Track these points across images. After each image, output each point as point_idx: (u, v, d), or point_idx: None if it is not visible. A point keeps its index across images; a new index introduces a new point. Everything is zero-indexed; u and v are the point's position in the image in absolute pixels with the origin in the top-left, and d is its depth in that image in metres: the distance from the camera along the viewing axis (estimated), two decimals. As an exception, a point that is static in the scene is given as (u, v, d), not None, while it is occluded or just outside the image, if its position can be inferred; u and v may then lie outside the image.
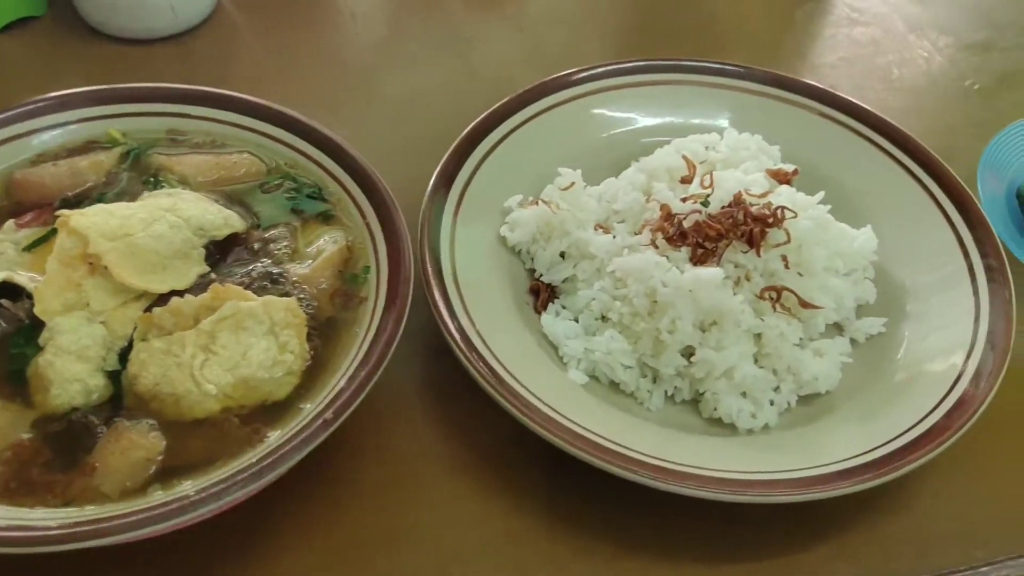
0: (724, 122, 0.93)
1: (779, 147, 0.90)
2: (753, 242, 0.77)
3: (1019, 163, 0.96)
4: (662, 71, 0.95)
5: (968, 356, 0.75)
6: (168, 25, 1.06)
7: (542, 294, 0.82)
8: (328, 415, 0.63)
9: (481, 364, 0.70)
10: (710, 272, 0.74)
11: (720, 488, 0.66)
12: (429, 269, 0.76)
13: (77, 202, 0.76)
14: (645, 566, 0.69)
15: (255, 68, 1.07)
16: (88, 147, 0.81)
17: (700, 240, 0.77)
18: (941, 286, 0.81)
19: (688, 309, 0.74)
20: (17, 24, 1.07)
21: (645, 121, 0.94)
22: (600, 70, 0.94)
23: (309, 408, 0.66)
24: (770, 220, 0.78)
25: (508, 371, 0.71)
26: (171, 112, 0.83)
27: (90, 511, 0.60)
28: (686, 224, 0.78)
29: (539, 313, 0.81)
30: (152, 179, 0.78)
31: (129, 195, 0.77)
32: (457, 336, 0.72)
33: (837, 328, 0.82)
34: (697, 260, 0.77)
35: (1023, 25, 1.22)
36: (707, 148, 0.88)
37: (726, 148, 0.87)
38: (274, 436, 0.64)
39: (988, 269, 0.80)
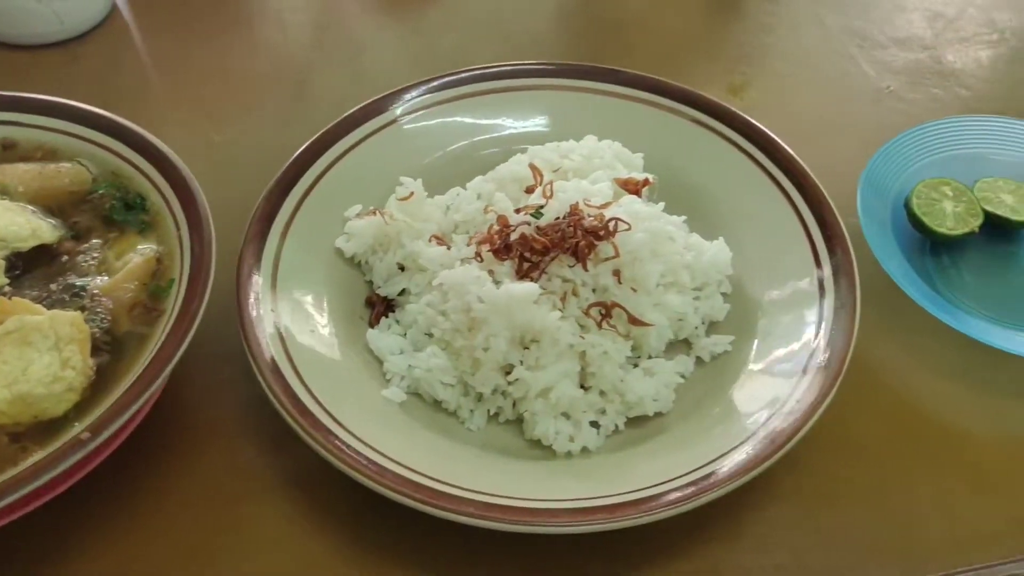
0: (587, 128, 0.88)
1: (642, 154, 0.87)
2: (579, 256, 0.73)
3: (912, 171, 0.91)
4: (531, 76, 0.91)
5: (799, 380, 0.70)
6: (54, 31, 1.06)
7: (377, 307, 0.79)
8: (84, 434, 0.60)
9: (283, 393, 0.68)
10: (525, 287, 0.71)
11: (509, 518, 0.62)
12: (246, 287, 0.73)
13: None
14: (440, 595, 0.66)
15: (142, 76, 1.06)
16: (-83, 156, 0.80)
17: (525, 253, 0.74)
18: (791, 304, 0.77)
19: (503, 325, 0.71)
20: None
21: (511, 128, 0.91)
22: (463, 75, 0.91)
23: (80, 426, 0.63)
24: (601, 233, 0.74)
25: (315, 397, 0.68)
26: (4, 120, 0.81)
27: None
28: (513, 236, 0.75)
29: (371, 327, 0.78)
30: (-29, 189, 0.77)
31: (-53, 206, 0.75)
32: (262, 363, 0.69)
33: (687, 346, 0.78)
34: (522, 274, 0.74)
35: (939, 29, 1.16)
36: (563, 156, 0.84)
37: (579, 156, 0.84)
38: (37, 456, 0.62)
39: (837, 288, 0.75)
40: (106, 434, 0.61)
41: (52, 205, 0.77)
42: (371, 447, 0.66)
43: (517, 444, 0.72)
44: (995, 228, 0.90)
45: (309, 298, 0.77)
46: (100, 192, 0.78)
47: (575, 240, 0.73)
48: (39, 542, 0.67)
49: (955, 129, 0.94)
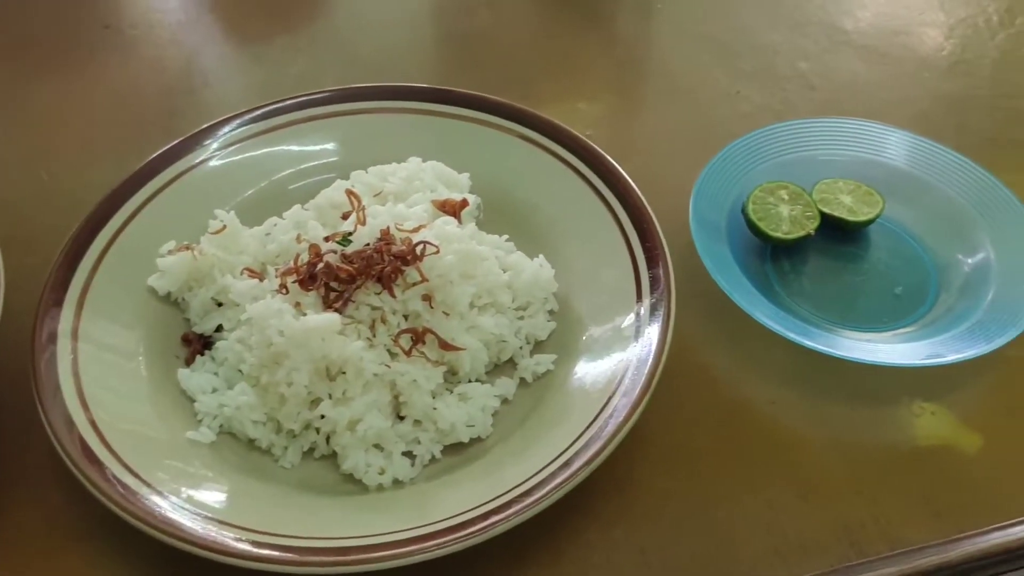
0: (416, 149, 0.87)
1: (468, 174, 0.85)
2: (385, 283, 0.71)
3: (751, 174, 0.91)
4: (357, 99, 0.90)
5: (613, 395, 0.69)
6: None
7: (193, 345, 0.77)
8: None
9: (71, 446, 0.65)
10: (325, 318, 0.69)
11: (314, 560, 0.60)
12: (42, 334, 0.71)
13: None
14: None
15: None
16: None
17: (331, 283, 0.72)
18: (612, 320, 0.76)
19: (304, 359, 0.69)
20: None
21: (334, 155, 0.89)
22: (290, 103, 0.89)
23: None
24: (408, 258, 0.72)
25: (110, 448, 0.66)
26: None
27: None
28: (320, 266, 0.73)
29: (188, 365, 0.76)
30: None
31: None
32: (52, 415, 0.67)
33: (512, 365, 0.77)
34: (328, 304, 0.72)
35: (788, 34, 1.16)
36: (384, 180, 0.83)
37: (400, 179, 0.82)
38: None
39: (654, 291, 0.74)
40: None
41: None
42: (161, 493, 0.63)
43: (333, 479, 0.70)
44: (835, 230, 0.89)
45: (119, 340, 0.74)
46: None
47: (381, 266, 0.72)
48: None
49: (794, 132, 0.93)
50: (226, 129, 0.87)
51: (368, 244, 0.74)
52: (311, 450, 0.72)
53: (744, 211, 0.88)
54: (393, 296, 0.72)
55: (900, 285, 0.86)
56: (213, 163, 0.85)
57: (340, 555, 0.61)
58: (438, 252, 0.73)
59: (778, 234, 0.86)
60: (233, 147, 0.87)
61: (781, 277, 0.86)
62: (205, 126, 0.87)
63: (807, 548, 0.69)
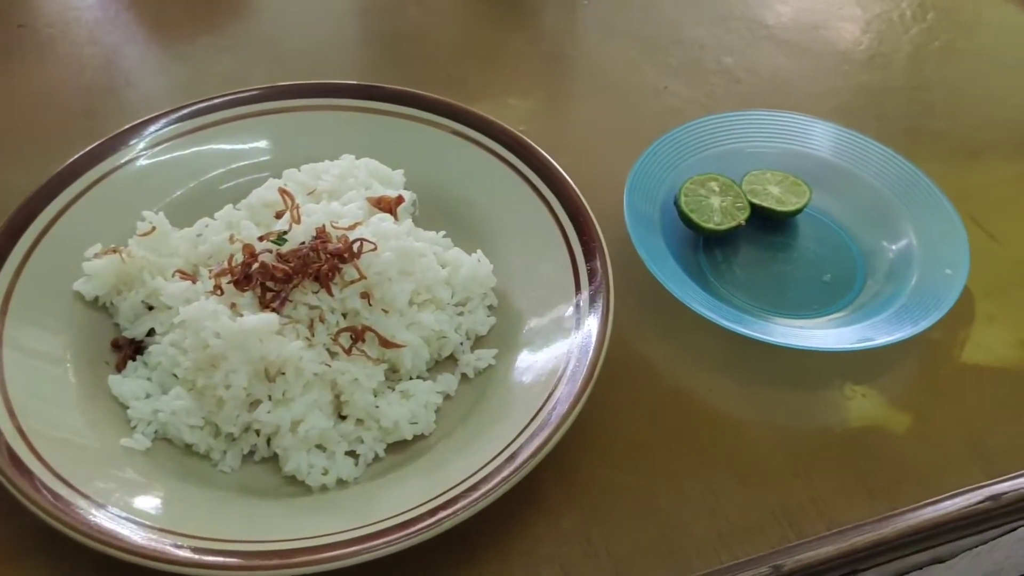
0: (347, 147, 0.86)
1: (403, 171, 0.85)
2: (322, 281, 0.70)
3: (681, 168, 0.92)
4: (281, 97, 0.88)
5: (558, 378, 0.69)
6: None
7: (124, 350, 0.75)
8: None
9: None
10: (262, 318, 0.68)
11: (258, 563, 0.59)
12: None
13: None
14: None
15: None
16: None
17: (266, 283, 0.71)
18: (551, 313, 0.76)
19: (241, 360, 0.67)
20: None
21: (265, 154, 0.87)
22: (218, 101, 0.87)
23: None
24: (346, 255, 0.71)
25: (41, 458, 0.64)
26: None
27: None
28: (256, 265, 0.72)
29: (119, 371, 0.74)
30: None
31: None
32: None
33: (453, 360, 0.77)
34: (264, 305, 0.70)
35: (713, 29, 1.18)
36: (317, 178, 0.82)
37: (333, 177, 0.81)
38: None
39: (593, 297, 0.75)
40: None
41: None
42: (96, 502, 0.62)
43: (274, 482, 0.69)
44: (764, 220, 0.91)
45: (46, 346, 0.72)
46: None
47: (318, 265, 0.71)
48: None
49: (722, 125, 0.95)
50: (152, 128, 0.85)
51: (304, 243, 0.73)
52: (251, 453, 0.70)
53: (676, 203, 0.89)
54: (331, 294, 0.71)
55: (829, 272, 0.88)
56: (139, 163, 0.83)
57: (286, 558, 0.60)
58: (376, 249, 0.72)
59: (710, 225, 0.87)
60: (160, 147, 0.85)
61: (714, 267, 0.88)
62: (129, 125, 0.84)
63: (748, 531, 0.70)
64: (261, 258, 0.72)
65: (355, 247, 0.72)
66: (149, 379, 0.73)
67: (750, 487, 0.73)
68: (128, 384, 0.72)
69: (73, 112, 1.00)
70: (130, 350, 0.75)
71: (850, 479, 0.74)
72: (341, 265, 0.71)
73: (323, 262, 0.71)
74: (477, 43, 1.14)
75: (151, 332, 0.76)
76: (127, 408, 0.71)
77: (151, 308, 0.77)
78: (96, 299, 0.77)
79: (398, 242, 0.74)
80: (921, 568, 0.76)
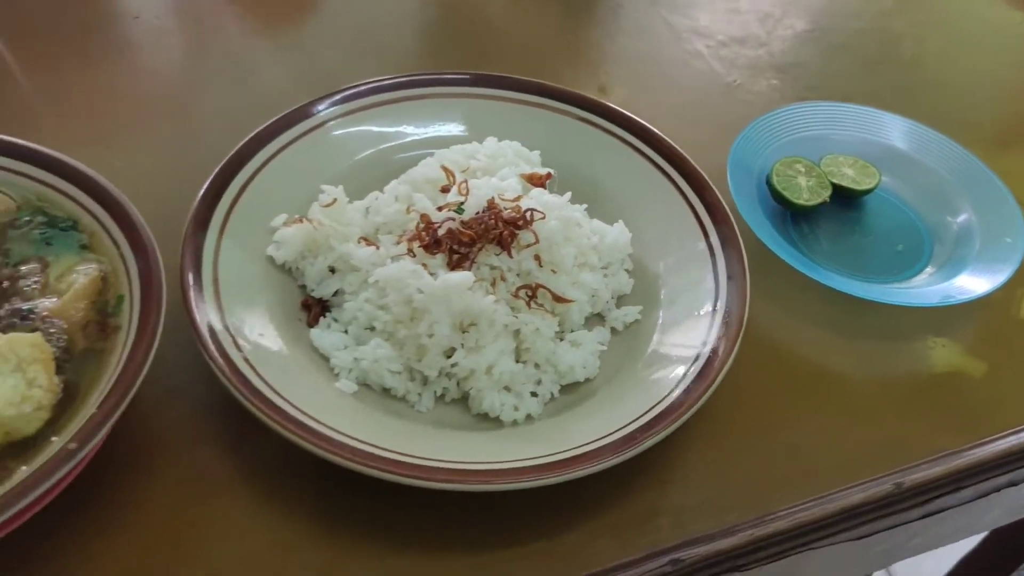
0: (487, 131, 0.96)
1: (539, 152, 0.95)
2: (504, 244, 0.81)
3: (768, 152, 1.04)
4: (426, 85, 0.98)
5: (709, 329, 0.81)
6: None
7: (313, 309, 0.84)
8: (72, 445, 0.63)
9: (240, 383, 0.71)
10: (461, 276, 0.78)
11: (467, 480, 0.69)
12: (191, 295, 0.76)
13: None
14: (414, 562, 0.71)
15: (24, 106, 1.05)
16: None
17: (454, 246, 0.80)
18: (686, 270, 0.87)
19: (444, 313, 0.77)
20: None
21: (412, 135, 0.97)
22: (370, 86, 0.97)
23: (58, 441, 0.65)
24: (520, 223, 0.82)
25: (272, 387, 0.73)
26: (-87, 154, 0.81)
27: None
28: (441, 232, 0.81)
29: (311, 327, 0.83)
30: None
31: None
32: (219, 358, 0.73)
33: (600, 318, 0.87)
34: (453, 265, 0.80)
35: (769, 28, 1.31)
36: (469, 157, 0.92)
37: (484, 156, 0.91)
38: (22, 471, 0.64)
39: (724, 248, 0.86)
40: (91, 444, 0.63)
41: (-23, 235, 0.78)
42: (336, 430, 0.71)
43: (465, 420, 0.79)
44: (841, 197, 1.03)
45: (251, 304, 0.80)
46: (27, 218, 0.79)
47: (498, 231, 0.81)
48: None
49: (800, 114, 1.08)
50: (320, 107, 0.93)
51: (479, 212, 0.83)
52: (442, 396, 0.80)
53: (769, 182, 1.01)
54: (511, 256, 0.81)
55: (901, 243, 1.01)
56: (309, 139, 0.92)
57: (494, 476, 0.69)
58: (544, 218, 0.83)
59: (800, 201, 1.00)
60: (325, 126, 0.94)
61: (802, 238, 1.00)
62: (293, 109, 0.93)
63: (864, 458, 0.82)
64: (446, 225, 0.81)
65: (527, 215, 0.82)
66: (345, 332, 0.82)
67: (859, 424, 0.85)
68: (328, 337, 0.81)
69: (200, 100, 1.08)
70: (319, 309, 0.84)
71: (941, 415, 0.87)
72: (517, 231, 0.81)
73: (501, 228, 0.81)
74: (556, 39, 1.24)
75: (335, 293, 0.85)
76: (327, 358, 0.80)
77: (332, 271, 0.85)
78: (283, 264, 0.85)
79: (561, 211, 0.84)
80: (999, 491, 0.89)
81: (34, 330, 0.70)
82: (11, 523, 0.62)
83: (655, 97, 1.17)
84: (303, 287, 0.86)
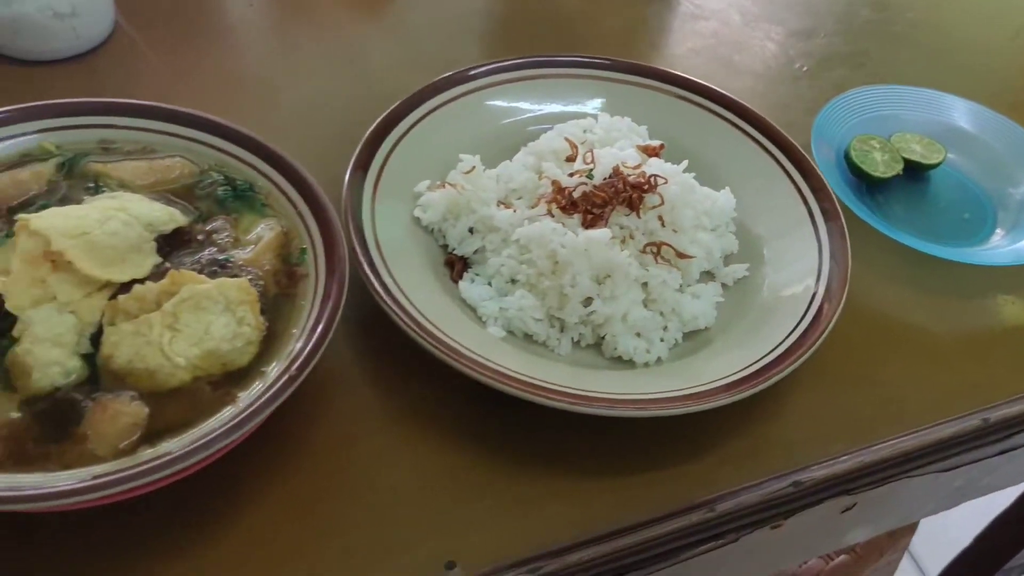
0: (597, 108, 1.06)
1: (646, 127, 1.05)
2: (633, 206, 0.90)
3: (844, 130, 1.14)
4: (542, 66, 1.07)
5: (817, 283, 0.90)
6: (70, 46, 1.12)
7: (456, 265, 0.93)
8: (293, 371, 0.72)
9: (410, 320, 0.80)
10: (600, 233, 0.87)
11: (624, 407, 0.78)
12: (357, 246, 0.85)
13: (24, 210, 0.82)
14: (567, 483, 0.81)
15: (158, 82, 1.14)
16: (23, 160, 0.86)
17: (588, 207, 0.90)
18: (789, 232, 0.97)
19: (584, 265, 0.87)
20: (-88, 52, 1.11)
21: (531, 110, 1.06)
22: (492, 67, 1.06)
23: (270, 370, 0.75)
24: (645, 187, 0.91)
25: (435, 326, 0.82)
26: (100, 124, 0.89)
27: (87, 471, 0.67)
28: (576, 195, 0.91)
29: (455, 282, 0.92)
30: (93, 185, 0.85)
31: (72, 201, 0.83)
32: (388, 299, 0.82)
33: (710, 275, 0.97)
34: (587, 224, 0.90)
35: (839, 13, 1.41)
36: (585, 131, 1.01)
37: (601, 130, 1.01)
38: (243, 396, 0.73)
39: (824, 212, 0.96)
40: (308, 369, 0.73)
41: (168, 196, 0.86)
42: (501, 364, 0.80)
43: (600, 362, 0.88)
44: (910, 171, 1.13)
45: (408, 258, 0.89)
46: (209, 181, 0.88)
47: (627, 194, 0.90)
48: (207, 494, 0.77)
49: (870, 96, 1.18)
50: (453, 82, 1.03)
51: (606, 178, 0.92)
52: (578, 341, 0.89)
53: (847, 156, 1.11)
54: (639, 217, 0.90)
55: (967, 212, 1.11)
56: (444, 111, 1.02)
57: (644, 405, 0.79)
58: (667, 183, 0.92)
59: (877, 173, 1.10)
60: (448, 105, 1.03)
61: (878, 208, 1.10)
62: (428, 84, 1.02)
63: (949, 399, 0.92)
64: (580, 188, 0.91)
65: (651, 180, 0.92)
66: (488, 285, 0.91)
67: (942, 371, 0.95)
68: (475, 289, 0.90)
69: (313, 80, 1.17)
70: (460, 265, 0.94)
71: (1016, 363, 0.97)
72: (643, 194, 0.91)
73: (630, 192, 0.90)
74: (638, 26, 1.34)
75: (475, 251, 0.94)
76: (474, 309, 0.89)
77: (471, 231, 0.95)
78: (426, 225, 0.95)
79: (679, 177, 0.94)
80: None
81: (234, 276, 0.79)
82: (228, 447, 0.70)
83: (725, 83, 1.26)
84: (444, 246, 0.95)
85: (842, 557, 1.48)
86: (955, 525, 1.78)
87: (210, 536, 0.74)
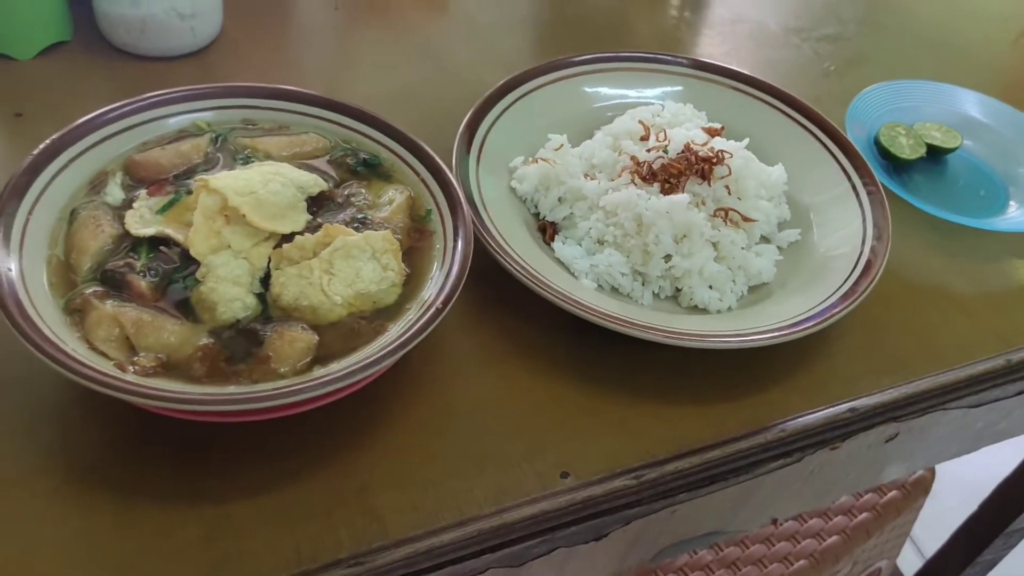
0: (662, 96, 1.20)
1: (705, 112, 1.19)
2: (705, 176, 1.04)
3: (873, 118, 1.29)
4: (614, 61, 1.22)
5: (863, 243, 1.05)
6: (187, 43, 1.25)
7: (548, 230, 1.07)
8: (439, 304, 0.85)
9: (523, 270, 0.94)
10: (680, 197, 1.01)
11: (705, 341, 0.92)
12: (469, 210, 0.99)
13: (187, 176, 0.95)
14: (653, 410, 0.94)
15: (259, 76, 1.27)
16: (180, 136, 1.00)
17: (666, 177, 1.04)
18: (834, 202, 1.11)
19: (666, 226, 1.00)
20: (48, 49, 1.23)
21: (606, 97, 1.21)
22: (576, 59, 1.21)
23: (414, 307, 0.88)
24: (714, 160, 1.05)
25: (545, 278, 0.95)
26: (244, 105, 1.02)
27: (275, 385, 0.80)
28: (655, 167, 1.05)
29: (548, 244, 1.06)
30: (242, 156, 0.98)
31: (228, 168, 0.96)
32: (501, 253, 0.95)
33: (765, 240, 1.11)
34: (666, 192, 1.04)
35: (861, 19, 1.57)
36: (654, 115, 1.15)
37: (668, 114, 1.15)
38: (393, 328, 0.86)
39: (866, 187, 1.11)
40: (450, 304, 0.86)
41: (307, 164, 1.00)
42: (600, 307, 0.94)
43: (678, 310, 1.02)
44: (931, 155, 1.28)
45: (511, 222, 1.03)
46: (340, 154, 1.01)
47: (699, 166, 1.05)
48: (355, 413, 0.89)
49: (895, 89, 1.33)
50: (542, 69, 1.17)
51: (679, 153, 1.07)
52: (657, 293, 1.03)
53: (877, 141, 1.26)
54: (710, 186, 1.05)
55: (982, 190, 1.26)
56: (536, 94, 1.16)
57: (727, 339, 0.93)
58: (732, 156, 1.06)
59: (903, 155, 1.24)
60: (535, 92, 1.17)
61: (904, 186, 1.24)
62: (521, 72, 1.16)
63: (977, 343, 1.07)
64: (658, 161, 1.05)
65: (719, 154, 1.06)
66: (579, 245, 1.05)
67: (972, 319, 1.10)
68: (567, 249, 1.04)
69: (400, 76, 1.31)
70: (552, 229, 1.07)
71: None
72: (713, 166, 1.05)
73: (701, 164, 1.05)
74: (670, 33, 1.49)
75: (564, 217, 1.08)
76: (566, 266, 1.03)
77: (559, 201, 1.08)
78: (520, 196, 1.08)
79: (742, 152, 1.08)
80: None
81: (374, 231, 0.93)
82: (385, 368, 0.83)
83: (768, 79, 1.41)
84: (535, 214, 1.09)
85: (864, 515, 1.62)
86: (954, 510, 1.93)
87: (359, 447, 0.87)
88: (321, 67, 1.32)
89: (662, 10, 1.54)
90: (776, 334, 0.94)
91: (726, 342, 0.92)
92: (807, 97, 1.27)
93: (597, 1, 1.55)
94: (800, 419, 0.96)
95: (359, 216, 0.95)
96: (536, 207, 1.09)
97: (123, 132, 0.97)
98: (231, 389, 0.80)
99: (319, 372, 0.82)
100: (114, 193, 0.93)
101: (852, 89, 1.35)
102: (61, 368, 0.75)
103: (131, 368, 0.79)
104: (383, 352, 0.81)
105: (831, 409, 0.97)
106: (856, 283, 1.01)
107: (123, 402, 0.79)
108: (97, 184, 0.94)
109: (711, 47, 1.47)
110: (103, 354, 0.80)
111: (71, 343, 0.79)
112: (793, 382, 0.99)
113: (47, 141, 0.91)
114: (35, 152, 0.89)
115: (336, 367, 0.82)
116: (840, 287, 1.01)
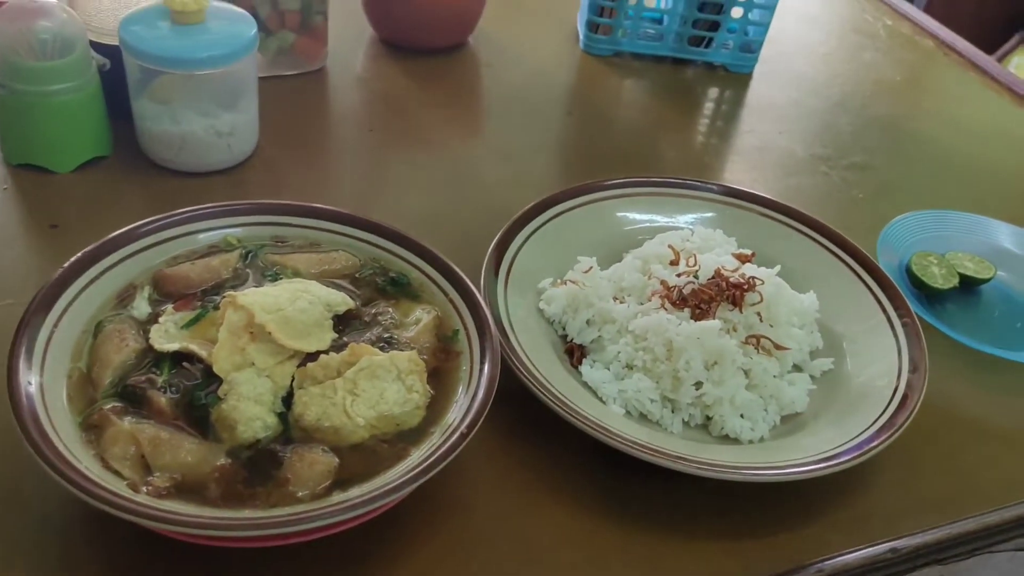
0: (692, 221, 1.20)
1: (735, 238, 1.18)
2: (736, 302, 1.03)
3: (904, 246, 1.28)
4: (645, 186, 1.23)
5: (899, 375, 1.02)
6: (223, 159, 1.27)
7: (576, 353, 1.05)
8: (463, 429, 0.83)
9: (551, 395, 0.92)
10: (711, 324, 0.99)
11: (740, 473, 0.89)
12: (496, 330, 0.97)
13: (215, 292, 0.95)
14: (685, 544, 0.90)
15: (294, 195, 1.28)
16: (211, 251, 1.00)
17: (697, 303, 1.03)
18: (869, 332, 1.09)
19: (697, 352, 0.98)
20: (88, 163, 1.26)
21: (636, 221, 1.21)
22: (607, 183, 1.21)
23: (437, 431, 0.86)
24: (745, 287, 1.04)
25: (572, 402, 0.93)
26: (275, 222, 1.03)
27: (291, 510, 0.77)
28: (685, 292, 1.04)
29: (575, 367, 1.04)
30: (271, 273, 0.98)
31: (255, 285, 0.96)
32: (528, 376, 0.93)
33: (797, 368, 1.08)
34: (696, 318, 1.02)
35: (887, 148, 1.58)
36: (684, 240, 1.15)
37: (698, 239, 1.15)
38: (416, 453, 0.84)
39: (901, 318, 1.08)
40: (475, 429, 0.83)
41: (335, 282, 0.99)
42: (627, 435, 0.91)
43: (708, 439, 0.99)
44: (965, 285, 1.26)
45: (538, 344, 1.02)
46: (369, 272, 1.01)
47: (730, 292, 1.03)
48: (375, 538, 0.86)
49: (924, 219, 1.32)
50: (565, 195, 1.17)
51: (709, 279, 1.05)
52: (687, 421, 1.00)
53: (909, 270, 1.24)
54: (741, 312, 1.03)
55: (1019, 321, 1.23)
56: (560, 219, 1.16)
57: (758, 469, 0.90)
58: (764, 283, 1.05)
59: (936, 285, 1.23)
60: (561, 217, 1.17)
61: (937, 317, 1.22)
62: (545, 197, 1.17)
63: (1021, 480, 1.02)
64: (689, 286, 1.04)
65: (750, 281, 1.05)
66: (607, 369, 1.03)
67: (1014, 455, 1.06)
68: (595, 373, 1.02)
69: (437, 197, 1.32)
70: (579, 352, 1.06)
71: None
72: (745, 292, 1.04)
73: (732, 290, 1.03)
74: (696, 160, 1.50)
75: (592, 340, 1.06)
76: (594, 390, 1.01)
77: (587, 323, 1.07)
78: (548, 317, 1.07)
79: (773, 279, 1.07)
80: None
81: (400, 351, 0.91)
82: (406, 494, 0.81)
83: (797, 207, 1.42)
84: (562, 336, 1.07)
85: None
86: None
87: (377, 573, 0.84)
88: (353, 186, 1.34)
89: (690, 137, 1.56)
90: (814, 467, 0.91)
91: (762, 475, 0.89)
92: (836, 225, 1.27)
93: (626, 127, 1.58)
94: (838, 558, 0.92)
95: (385, 335, 0.93)
96: (564, 329, 1.08)
97: (154, 246, 0.98)
98: (246, 513, 0.77)
99: (338, 497, 0.79)
100: (141, 307, 0.92)
101: (881, 218, 1.34)
102: (72, 487, 0.73)
103: (144, 489, 0.77)
104: (404, 479, 0.79)
105: (870, 549, 0.93)
106: (894, 416, 0.98)
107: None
108: (125, 297, 0.93)
109: (739, 173, 1.48)
110: (117, 472, 0.78)
111: (85, 460, 0.77)
112: (829, 519, 0.95)
113: (76, 256, 0.91)
114: (64, 266, 0.90)
115: (355, 492, 0.80)
116: (877, 419, 0.98)
